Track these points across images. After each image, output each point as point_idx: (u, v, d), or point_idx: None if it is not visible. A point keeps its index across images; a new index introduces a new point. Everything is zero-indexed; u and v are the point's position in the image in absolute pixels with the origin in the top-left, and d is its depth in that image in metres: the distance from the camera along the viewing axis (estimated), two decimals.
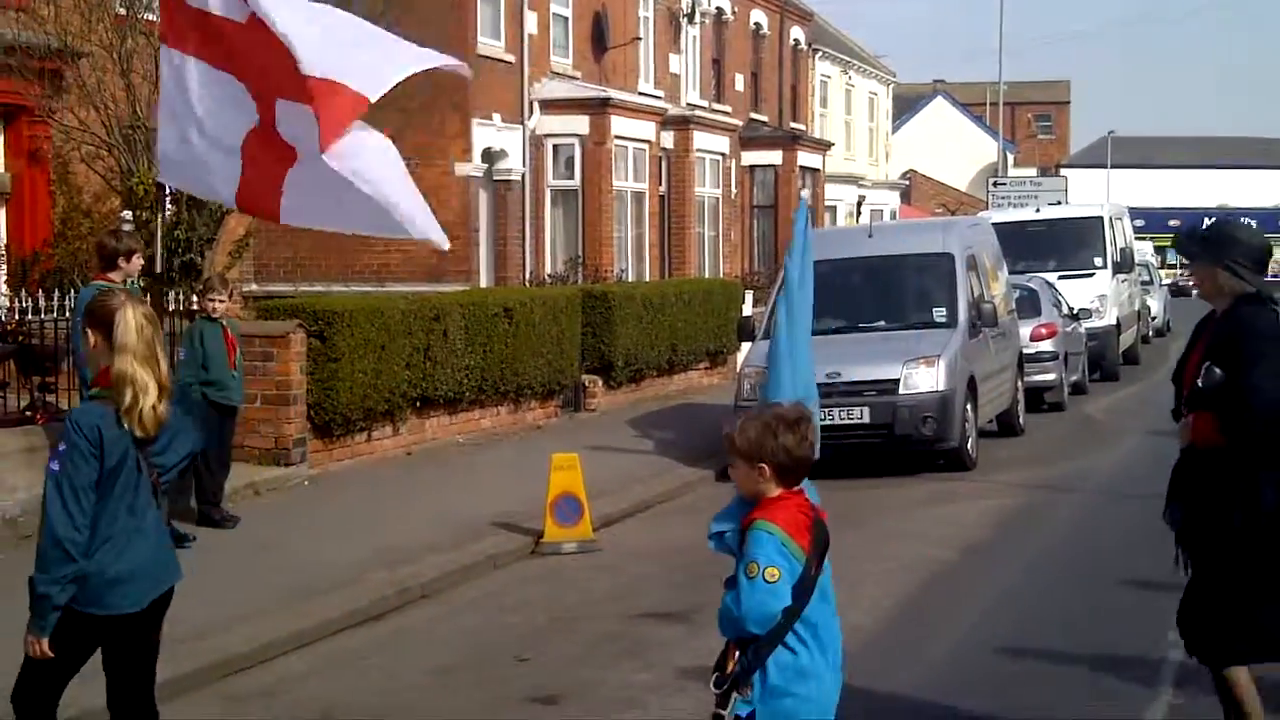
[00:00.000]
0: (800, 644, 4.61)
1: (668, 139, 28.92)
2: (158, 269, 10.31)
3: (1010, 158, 69.99)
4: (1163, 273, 38.27)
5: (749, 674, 4.55)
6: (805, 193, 8.66)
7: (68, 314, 11.49)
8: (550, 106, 25.62)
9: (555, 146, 25.87)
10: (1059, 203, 34.03)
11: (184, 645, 8.27)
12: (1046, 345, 20.39)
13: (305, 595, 9.58)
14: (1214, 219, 7.77)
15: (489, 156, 24.28)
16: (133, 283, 10.55)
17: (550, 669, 8.21)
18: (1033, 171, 68.42)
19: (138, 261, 10.38)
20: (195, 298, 12.94)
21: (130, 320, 5.05)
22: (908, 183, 58.04)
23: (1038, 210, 28.57)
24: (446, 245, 7.14)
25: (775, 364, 6.23)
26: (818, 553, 4.63)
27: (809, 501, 4.68)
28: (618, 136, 26.05)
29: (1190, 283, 33.28)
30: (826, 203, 38.43)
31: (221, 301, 11.71)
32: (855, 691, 7.54)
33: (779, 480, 4.60)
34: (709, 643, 8.54)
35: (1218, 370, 5.71)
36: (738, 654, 4.59)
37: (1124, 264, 26.47)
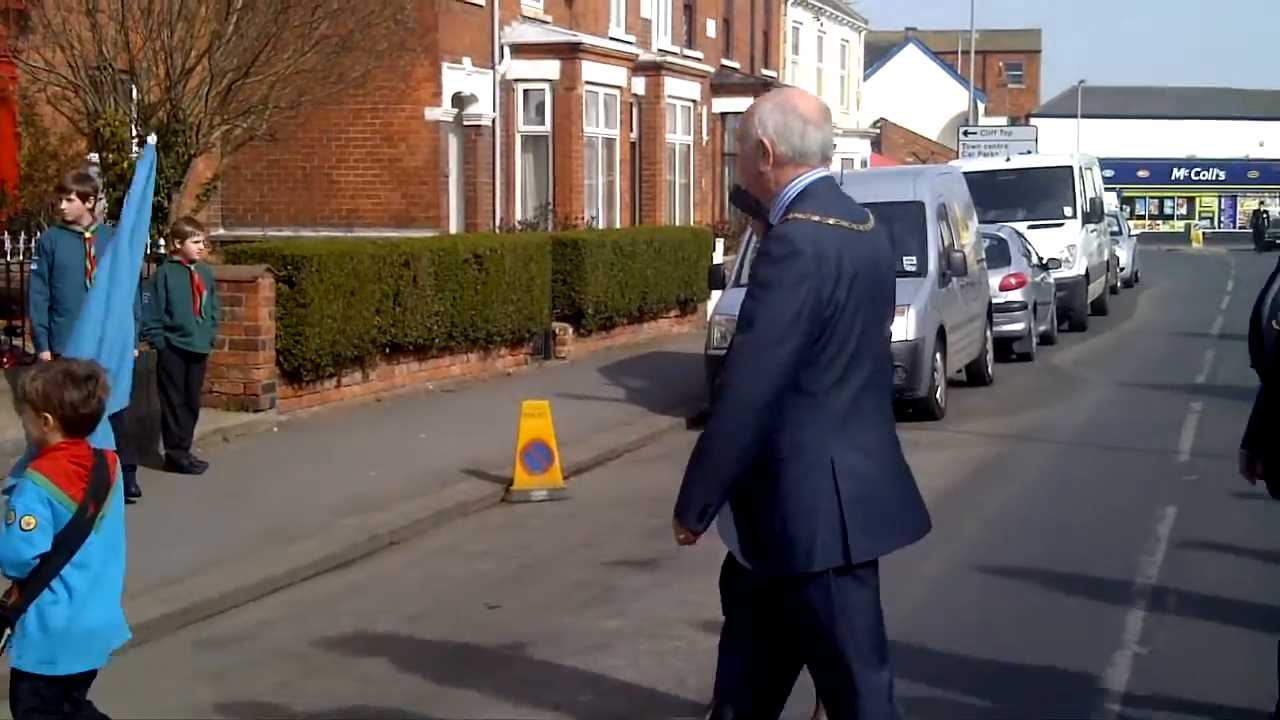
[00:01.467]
0: (66, 588, 4.88)
1: (639, 85, 28.80)
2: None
3: (981, 107, 69.94)
4: (1131, 223, 38.34)
5: (20, 613, 4.88)
6: (153, 138, 8.71)
7: (34, 257, 11.40)
8: (521, 51, 25.46)
9: (526, 91, 25.73)
10: (1029, 152, 34.04)
11: (153, 592, 8.26)
12: (1016, 295, 20.44)
13: (275, 541, 9.56)
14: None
15: (459, 101, 24.13)
16: (100, 226, 10.47)
17: (520, 616, 8.22)
18: (1003, 121, 68.40)
19: (78, 204, 10.34)
20: (162, 241, 12.85)
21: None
22: (878, 131, 58.00)
23: (1008, 159, 28.60)
24: None
25: (84, 319, 5.86)
26: (95, 497, 4.91)
27: (88, 450, 4.95)
28: (588, 82, 25.92)
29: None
30: None
31: (198, 244, 11.65)
32: None
33: (63, 431, 4.89)
34: (679, 590, 8.58)
35: None
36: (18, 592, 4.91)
37: (1093, 214, 26.53)
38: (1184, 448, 13.47)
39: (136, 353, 7.71)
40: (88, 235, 10.33)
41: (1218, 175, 77.23)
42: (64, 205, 10.36)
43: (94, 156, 14.34)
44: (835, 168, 41.60)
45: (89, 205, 10.49)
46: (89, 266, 10.22)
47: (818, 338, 4.19)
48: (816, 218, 4.25)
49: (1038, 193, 25.83)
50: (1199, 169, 77.26)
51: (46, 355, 10.29)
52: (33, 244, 11.73)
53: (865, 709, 4.29)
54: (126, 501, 5.30)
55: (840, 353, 4.24)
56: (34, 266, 10.60)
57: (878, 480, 4.31)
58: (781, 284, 4.16)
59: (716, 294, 17.40)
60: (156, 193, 13.67)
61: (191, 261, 11.60)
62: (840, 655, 4.28)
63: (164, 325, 11.46)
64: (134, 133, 14.27)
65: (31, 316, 10.50)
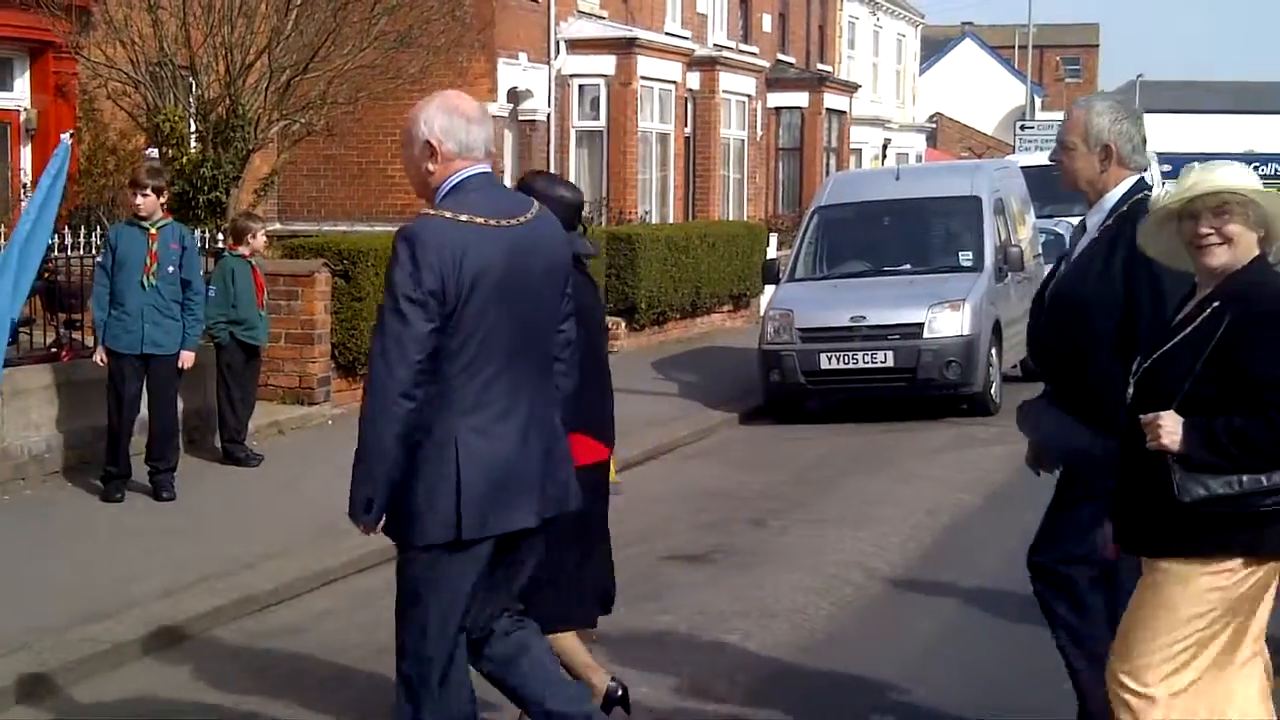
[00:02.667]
0: None
1: (694, 80, 28.77)
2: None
3: (1038, 101, 69.45)
4: None
5: None
6: (67, 135, 8.81)
7: (94, 251, 11.51)
8: (576, 46, 25.49)
9: (581, 87, 25.75)
10: None
11: (208, 582, 8.34)
12: None
13: (329, 534, 9.61)
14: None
15: (514, 96, 24.18)
16: (161, 221, 10.51)
17: None
18: (1060, 115, 67.76)
19: (153, 199, 10.38)
20: (220, 235, 12.96)
21: None
22: (934, 126, 57.68)
23: None
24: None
25: None
26: None
27: None
28: (644, 77, 25.91)
29: None
30: (852, 145, 38.21)
31: (258, 237, 11.77)
32: (872, 639, 7.59)
33: None
34: (731, 585, 8.59)
35: None
36: None
37: None
38: None
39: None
40: (153, 231, 10.39)
41: (1276, 170, 76.37)
42: (139, 200, 10.34)
43: (153, 151, 14.46)
44: (890, 162, 41.27)
45: (162, 200, 10.56)
46: (149, 262, 10.30)
47: (443, 326, 4.48)
48: (448, 214, 4.58)
49: None
50: (1258, 164, 76.34)
51: (101, 352, 10.40)
52: (94, 238, 11.83)
53: (429, 677, 4.69)
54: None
55: (469, 342, 4.53)
56: (99, 259, 10.70)
57: (500, 464, 4.58)
58: (401, 280, 4.47)
59: (770, 289, 17.39)
60: (215, 187, 13.83)
61: (246, 256, 11.71)
62: (424, 625, 4.65)
63: (228, 319, 11.56)
64: (192, 128, 14.39)
65: (93, 310, 10.60)
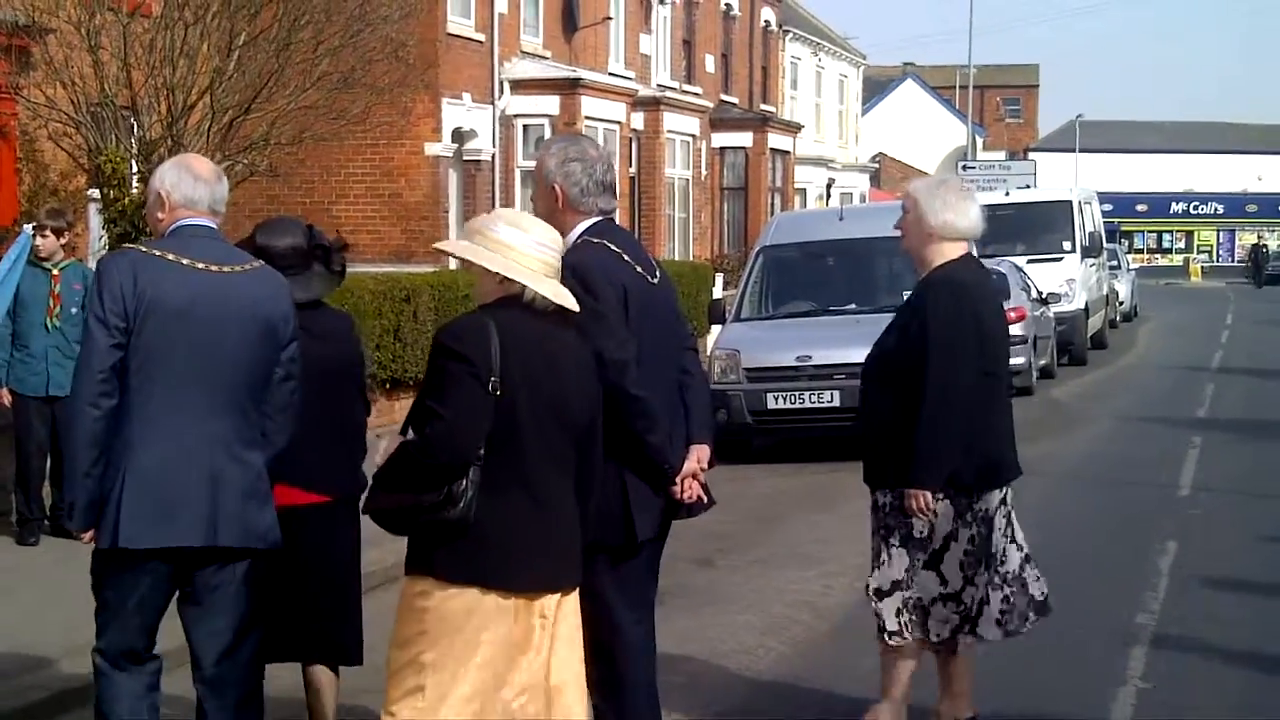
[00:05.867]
0: None
1: (638, 120, 28.88)
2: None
3: (979, 141, 70.16)
4: (1130, 257, 38.43)
5: None
6: (29, 227, 9.02)
7: None
8: (520, 86, 25.54)
9: (525, 126, 25.79)
10: (1027, 186, 34.13)
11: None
12: (1015, 329, 20.36)
13: None
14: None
15: (459, 136, 24.20)
16: (71, 264, 10.52)
17: None
18: (1001, 155, 68.54)
19: (51, 240, 10.37)
20: None
21: None
22: (877, 165, 58.14)
23: (1007, 194, 28.63)
24: None
25: None
26: None
27: None
28: (588, 117, 25.98)
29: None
30: (796, 185, 38.44)
31: None
32: (822, 679, 7.57)
33: None
34: (679, 626, 8.55)
35: None
36: None
37: (1092, 248, 26.55)
38: (1185, 482, 13.44)
39: None
40: (55, 272, 10.41)
41: (1216, 209, 77.31)
42: (39, 241, 10.35)
43: (95, 192, 14.35)
44: (834, 202, 41.53)
45: (63, 241, 10.55)
46: (52, 304, 10.27)
47: (124, 344, 4.98)
48: (144, 249, 5.18)
49: (1037, 227, 25.85)
50: (1197, 203, 77.36)
51: (4, 392, 10.33)
52: None
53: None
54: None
55: (145, 364, 5.00)
56: None
57: (166, 482, 5.00)
58: (93, 301, 5.07)
59: (717, 329, 17.40)
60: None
61: None
62: (102, 620, 5.21)
63: None
64: (134, 169, 14.29)
65: None
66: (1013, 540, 6.36)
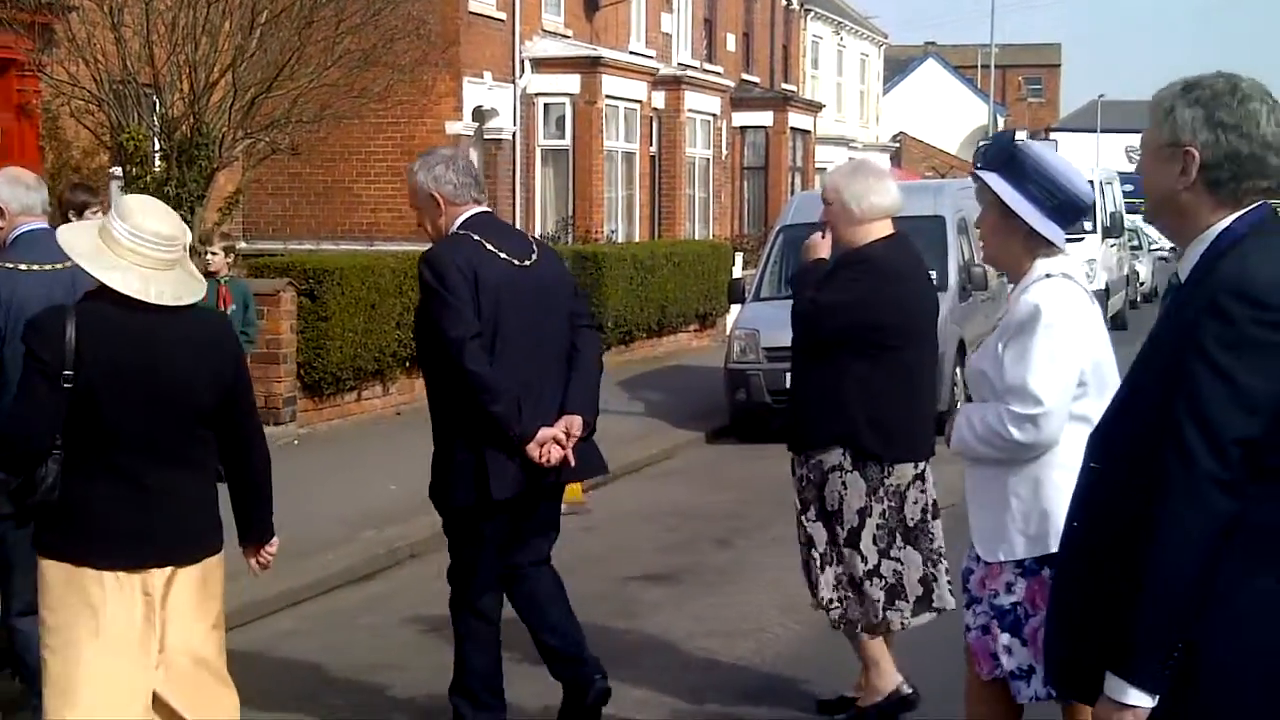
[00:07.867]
0: None
1: (659, 99, 28.84)
2: None
3: (1001, 120, 69.86)
4: (1151, 237, 38.36)
5: None
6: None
7: None
8: (541, 65, 25.52)
9: (546, 105, 25.78)
10: None
11: None
12: None
13: (294, 554, 9.55)
14: None
15: (479, 115, 24.19)
16: None
17: None
18: (1023, 135, 68.22)
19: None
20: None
21: None
22: (898, 145, 57.97)
23: None
24: None
25: None
26: None
27: None
28: (609, 96, 25.96)
29: None
30: (817, 165, 38.36)
31: (215, 255, 11.66)
32: (840, 658, 7.59)
33: None
34: (698, 605, 8.58)
35: None
36: None
37: (1113, 229, 26.47)
38: None
39: None
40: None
41: None
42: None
43: (117, 170, 14.40)
44: None
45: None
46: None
47: None
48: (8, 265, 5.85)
49: None
50: None
51: None
52: None
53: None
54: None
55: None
56: None
57: None
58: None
59: (736, 308, 17.40)
60: (179, 206, 13.78)
61: (210, 274, 11.61)
62: None
63: None
64: (156, 146, 14.34)
65: None
66: (936, 517, 6.54)
